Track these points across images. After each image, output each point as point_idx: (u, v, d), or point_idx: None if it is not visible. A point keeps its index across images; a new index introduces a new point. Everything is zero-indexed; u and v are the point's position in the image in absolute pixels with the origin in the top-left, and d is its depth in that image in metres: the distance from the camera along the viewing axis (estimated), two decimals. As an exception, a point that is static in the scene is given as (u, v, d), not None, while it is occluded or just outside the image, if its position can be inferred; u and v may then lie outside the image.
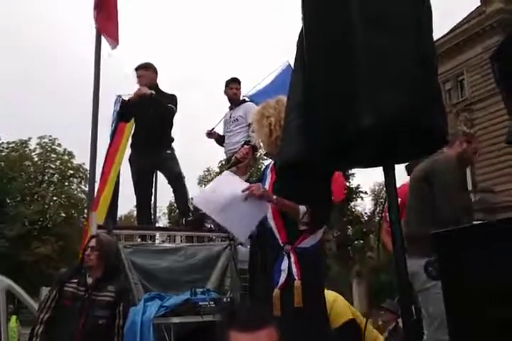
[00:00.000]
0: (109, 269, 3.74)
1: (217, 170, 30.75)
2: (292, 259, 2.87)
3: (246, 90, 6.30)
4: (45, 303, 3.65)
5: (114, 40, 5.39)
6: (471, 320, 1.76)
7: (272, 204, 2.91)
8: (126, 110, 5.66)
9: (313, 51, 2.09)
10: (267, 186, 3.05)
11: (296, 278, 2.82)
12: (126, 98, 6.01)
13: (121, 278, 3.98)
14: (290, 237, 2.91)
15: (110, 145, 6.14)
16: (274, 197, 2.87)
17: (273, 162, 3.19)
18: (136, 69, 5.72)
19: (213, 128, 6.20)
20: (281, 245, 2.89)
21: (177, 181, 5.53)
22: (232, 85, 6.11)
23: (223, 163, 6.02)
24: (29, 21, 55.93)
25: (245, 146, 3.19)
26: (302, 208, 2.89)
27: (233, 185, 2.95)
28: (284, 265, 2.86)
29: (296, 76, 2.36)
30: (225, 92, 6.15)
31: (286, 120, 2.60)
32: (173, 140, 5.75)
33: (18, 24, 53.27)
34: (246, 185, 2.91)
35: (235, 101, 6.08)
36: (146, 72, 5.70)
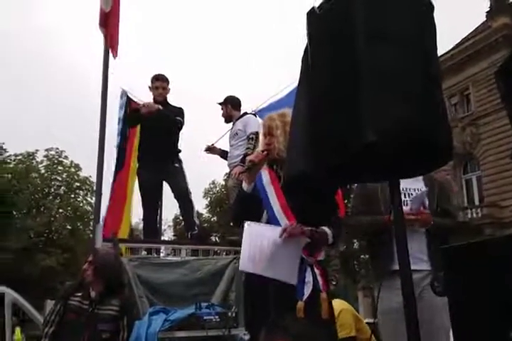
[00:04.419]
0: (110, 283, 3.72)
1: (223, 182, 30.74)
2: (318, 272, 2.89)
3: (248, 105, 6.36)
4: (50, 317, 3.64)
5: (113, 51, 5.41)
6: (478, 336, 1.75)
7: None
8: (133, 117, 5.71)
9: (317, 68, 2.10)
10: (271, 197, 3.04)
11: (322, 290, 2.83)
12: (130, 96, 6.11)
13: (126, 291, 3.97)
14: (310, 250, 2.92)
15: (122, 154, 6.17)
16: (308, 228, 2.88)
17: (268, 171, 3.15)
18: (160, 80, 5.76)
19: (213, 144, 6.24)
20: (304, 257, 2.89)
21: (184, 196, 5.54)
22: (221, 106, 6.19)
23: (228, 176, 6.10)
24: (32, 32, 56.49)
25: (263, 152, 3.14)
26: (329, 232, 2.91)
27: (265, 233, 2.92)
28: (309, 277, 2.86)
29: (301, 92, 2.37)
30: None
31: (291, 136, 2.59)
32: (179, 151, 5.78)
33: (20, 34, 53.78)
34: (277, 229, 2.89)
35: (228, 120, 6.16)
36: (168, 85, 5.77)
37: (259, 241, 2.90)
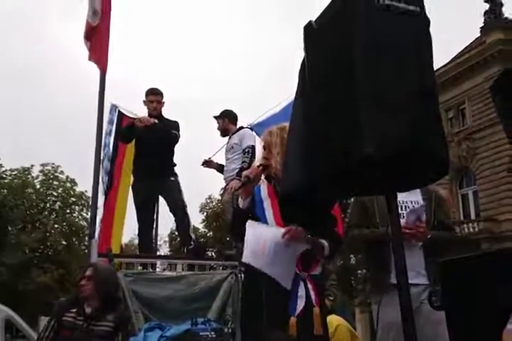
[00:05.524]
0: (107, 299, 3.68)
1: (219, 197, 30.71)
2: (310, 286, 2.86)
3: (245, 119, 6.39)
4: (44, 333, 3.60)
5: (103, 68, 5.38)
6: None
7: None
8: (129, 132, 5.71)
9: (315, 81, 2.11)
10: (267, 212, 3.03)
11: (315, 305, 2.81)
12: (122, 110, 6.14)
13: (122, 307, 3.93)
14: (305, 265, 2.90)
15: (111, 167, 6.18)
16: (308, 235, 2.86)
17: (267, 185, 3.15)
18: (155, 93, 5.76)
19: (210, 158, 6.24)
20: (297, 272, 2.88)
21: (179, 210, 5.52)
22: (218, 120, 6.19)
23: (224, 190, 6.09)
24: (29, 46, 56.83)
25: (259, 167, 3.15)
26: (325, 244, 2.90)
27: (267, 232, 2.91)
28: (301, 291, 2.84)
29: (297, 105, 2.37)
30: None
31: (287, 150, 2.58)
32: (175, 165, 5.78)
33: (17, 50, 54.15)
34: (279, 229, 2.87)
35: (224, 134, 6.17)
36: (162, 99, 5.78)
37: (261, 238, 2.88)
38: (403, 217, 3.22)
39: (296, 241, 2.83)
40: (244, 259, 2.97)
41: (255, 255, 2.89)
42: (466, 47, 25.50)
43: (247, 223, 3.00)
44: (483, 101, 21.67)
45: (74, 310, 3.62)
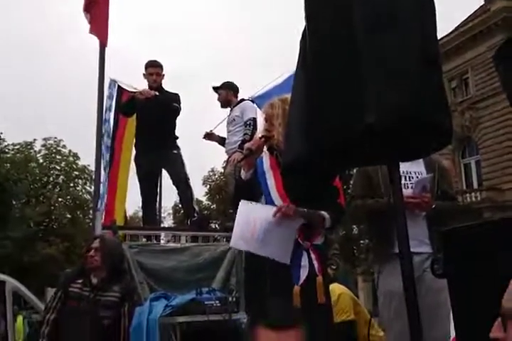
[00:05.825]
0: (113, 269, 3.74)
1: (222, 170, 30.73)
2: (313, 256, 2.89)
3: (246, 91, 6.32)
4: (51, 304, 3.67)
5: (102, 40, 5.31)
6: (477, 317, 1.75)
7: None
8: (130, 106, 5.69)
9: (316, 51, 2.08)
10: (270, 183, 3.04)
11: (318, 274, 2.84)
12: (122, 85, 6.11)
13: (127, 278, 3.98)
14: (306, 234, 2.92)
15: (112, 142, 6.18)
16: (304, 210, 2.87)
17: (269, 157, 3.15)
18: (154, 66, 5.70)
19: (211, 130, 6.19)
20: (300, 242, 2.90)
21: (182, 182, 5.53)
22: (219, 91, 6.07)
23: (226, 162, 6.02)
24: (32, 20, 56.13)
25: (261, 138, 3.13)
26: (326, 216, 2.91)
27: (259, 212, 2.93)
28: (305, 261, 2.87)
29: (299, 76, 2.35)
30: None
31: (288, 121, 2.57)
32: (177, 138, 5.77)
33: (20, 23, 53.55)
34: (271, 208, 2.89)
35: (225, 105, 6.09)
36: (162, 71, 5.72)
37: (252, 219, 2.91)
38: (406, 187, 3.22)
39: (288, 219, 2.84)
40: (232, 244, 3.01)
41: (244, 238, 2.92)
42: (470, 16, 25.12)
43: (240, 202, 3.01)
44: (487, 71, 21.48)
45: (80, 281, 3.67)
